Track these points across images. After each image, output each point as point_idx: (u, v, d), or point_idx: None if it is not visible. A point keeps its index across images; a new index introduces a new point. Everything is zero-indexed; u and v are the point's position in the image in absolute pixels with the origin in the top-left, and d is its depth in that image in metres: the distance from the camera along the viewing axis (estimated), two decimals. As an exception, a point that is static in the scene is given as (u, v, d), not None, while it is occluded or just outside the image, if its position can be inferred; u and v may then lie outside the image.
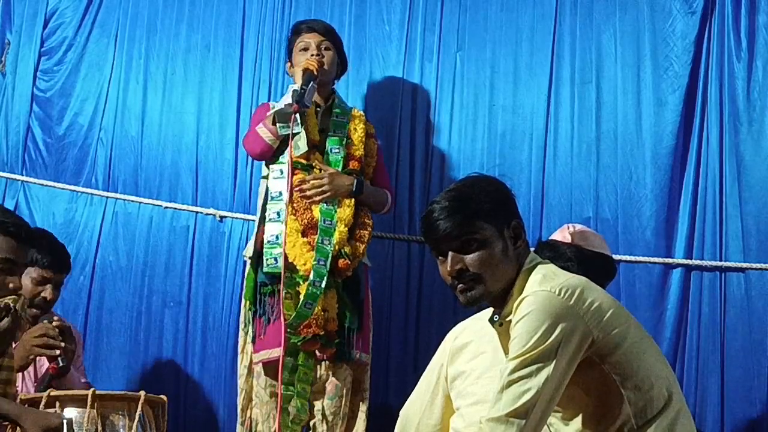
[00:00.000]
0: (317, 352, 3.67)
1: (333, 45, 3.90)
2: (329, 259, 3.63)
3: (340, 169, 3.77)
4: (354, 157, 3.83)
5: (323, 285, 3.60)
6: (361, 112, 3.95)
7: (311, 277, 3.60)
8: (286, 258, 3.63)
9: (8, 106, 4.60)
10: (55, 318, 3.36)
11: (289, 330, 3.55)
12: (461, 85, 4.28)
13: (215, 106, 4.43)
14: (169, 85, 4.48)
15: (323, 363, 3.71)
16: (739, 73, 4.04)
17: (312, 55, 3.81)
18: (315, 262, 3.62)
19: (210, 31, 4.48)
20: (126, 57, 4.53)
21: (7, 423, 2.83)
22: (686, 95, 4.07)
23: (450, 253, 2.37)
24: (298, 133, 3.68)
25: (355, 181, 3.77)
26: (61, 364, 3.26)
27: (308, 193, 3.73)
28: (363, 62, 3.99)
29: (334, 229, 3.69)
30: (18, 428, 2.77)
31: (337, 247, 3.66)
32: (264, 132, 3.77)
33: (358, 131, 3.86)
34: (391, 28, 4.32)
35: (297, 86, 3.71)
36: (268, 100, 4.17)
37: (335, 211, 3.72)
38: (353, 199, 3.76)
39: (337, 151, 3.80)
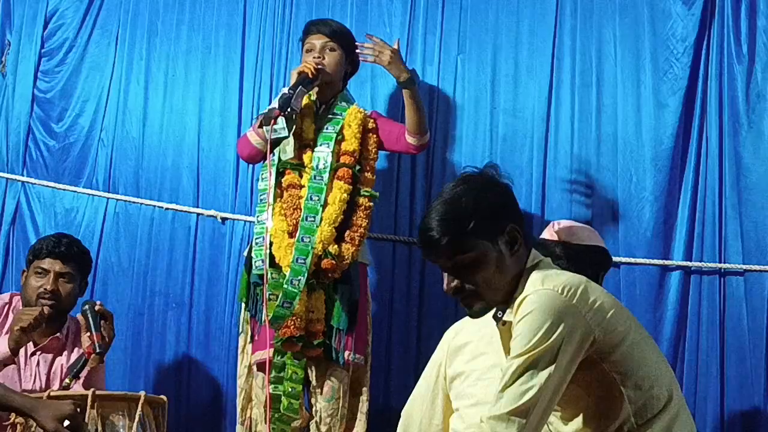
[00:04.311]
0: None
1: (339, 46, 3.85)
2: (309, 257, 3.57)
3: (328, 166, 3.73)
4: (346, 152, 3.76)
5: (302, 284, 3.55)
6: (360, 108, 3.87)
7: (288, 275, 3.56)
8: (272, 258, 3.61)
9: (8, 107, 4.59)
10: (98, 303, 3.35)
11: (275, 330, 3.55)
12: (462, 88, 4.27)
13: (216, 107, 4.43)
14: (170, 87, 4.48)
15: (321, 364, 3.69)
16: (738, 76, 4.04)
17: (313, 58, 3.80)
18: (293, 261, 3.57)
19: (211, 33, 4.48)
20: (127, 58, 4.52)
21: (8, 423, 2.83)
22: (686, 97, 4.08)
23: (445, 273, 2.39)
24: (285, 137, 3.67)
25: (413, 73, 3.82)
26: (97, 349, 3.23)
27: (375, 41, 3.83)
28: (364, 64, 3.97)
29: (317, 227, 3.64)
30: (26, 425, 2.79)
31: (320, 247, 3.61)
32: (252, 135, 3.79)
33: (352, 127, 3.79)
34: (392, 31, 4.31)
35: (287, 89, 3.70)
36: (270, 102, 4.17)
37: (320, 210, 3.67)
38: (343, 198, 3.70)
39: (326, 147, 3.76)
